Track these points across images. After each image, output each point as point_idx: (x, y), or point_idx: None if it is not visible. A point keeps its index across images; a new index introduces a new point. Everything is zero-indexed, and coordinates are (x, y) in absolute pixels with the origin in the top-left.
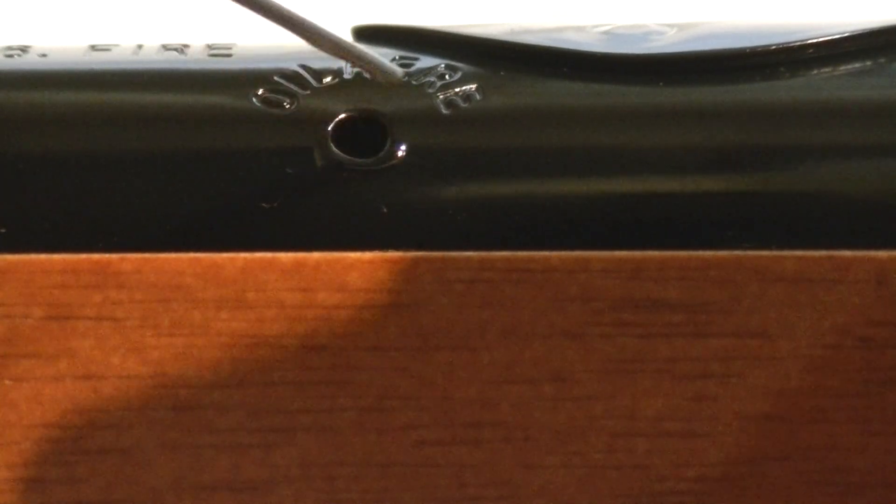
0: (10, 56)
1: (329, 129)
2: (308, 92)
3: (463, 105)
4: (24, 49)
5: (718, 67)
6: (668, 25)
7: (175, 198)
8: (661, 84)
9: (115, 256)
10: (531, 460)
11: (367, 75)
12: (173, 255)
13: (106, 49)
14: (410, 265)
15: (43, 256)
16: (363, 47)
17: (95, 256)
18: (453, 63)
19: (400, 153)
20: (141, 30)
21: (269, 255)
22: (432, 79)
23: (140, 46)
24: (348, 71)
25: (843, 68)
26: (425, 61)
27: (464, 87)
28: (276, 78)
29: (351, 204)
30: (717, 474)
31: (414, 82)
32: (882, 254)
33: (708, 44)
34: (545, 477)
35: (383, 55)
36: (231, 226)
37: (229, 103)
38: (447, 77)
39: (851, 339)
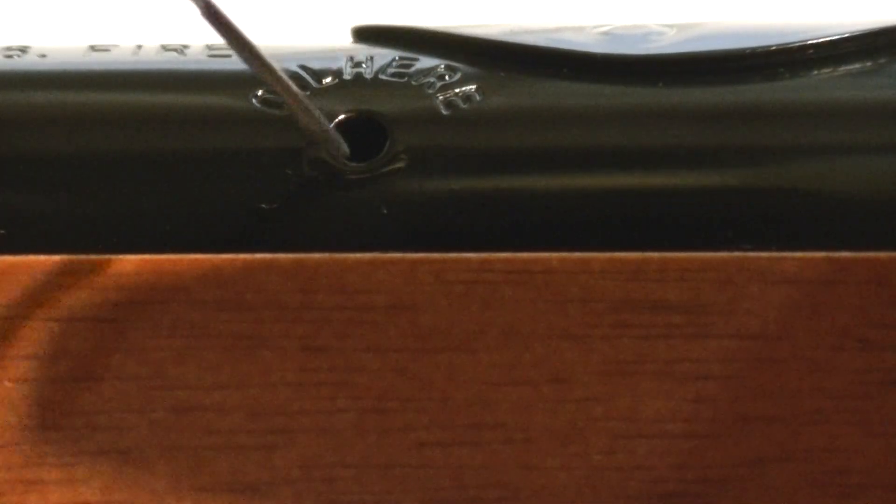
0: (10, 56)
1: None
2: (308, 92)
3: (463, 106)
4: (23, 49)
5: (718, 68)
6: (668, 26)
7: (175, 198)
8: (661, 84)
9: (115, 257)
10: (531, 462)
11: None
12: (173, 256)
13: (105, 49)
14: (410, 266)
15: (43, 256)
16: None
17: (95, 257)
18: (453, 64)
19: (400, 154)
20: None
21: (268, 256)
22: (432, 79)
23: (139, 47)
24: (348, 72)
25: (843, 69)
26: (425, 62)
27: (464, 88)
28: None
29: (350, 205)
30: (718, 475)
31: (414, 83)
32: (882, 254)
33: (707, 44)
34: (545, 478)
35: (384, 55)
36: (230, 227)
37: (229, 104)
38: (447, 78)
39: (851, 341)
